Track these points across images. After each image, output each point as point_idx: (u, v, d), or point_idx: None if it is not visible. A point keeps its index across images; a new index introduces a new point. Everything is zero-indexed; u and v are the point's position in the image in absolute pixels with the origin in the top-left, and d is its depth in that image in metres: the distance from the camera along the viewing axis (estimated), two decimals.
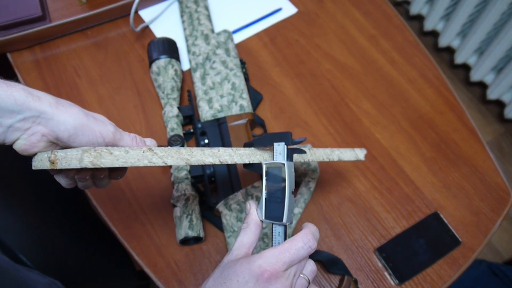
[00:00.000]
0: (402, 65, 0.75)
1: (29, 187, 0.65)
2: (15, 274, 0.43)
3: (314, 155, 0.47)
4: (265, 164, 0.40)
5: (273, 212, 0.39)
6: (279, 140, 0.41)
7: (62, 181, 0.39)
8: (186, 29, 0.73)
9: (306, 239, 0.37)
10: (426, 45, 0.78)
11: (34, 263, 0.56)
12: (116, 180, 0.44)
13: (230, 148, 0.41)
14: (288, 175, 0.39)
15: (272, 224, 0.39)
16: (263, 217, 0.40)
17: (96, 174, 0.40)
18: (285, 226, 0.39)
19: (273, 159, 0.41)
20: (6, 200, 0.60)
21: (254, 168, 0.44)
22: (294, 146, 0.42)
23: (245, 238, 0.39)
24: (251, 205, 0.41)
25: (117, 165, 0.34)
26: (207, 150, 0.39)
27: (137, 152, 0.35)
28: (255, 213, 0.40)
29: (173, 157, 0.36)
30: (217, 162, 0.39)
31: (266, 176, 0.40)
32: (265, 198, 0.40)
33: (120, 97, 0.69)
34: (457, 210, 0.63)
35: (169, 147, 0.41)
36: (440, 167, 0.66)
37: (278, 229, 0.39)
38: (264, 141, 0.42)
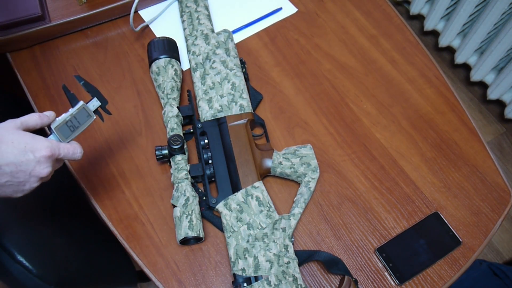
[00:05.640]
0: (402, 65, 0.75)
1: None
2: None
3: None
4: (83, 105, 0.52)
5: (63, 131, 0.50)
6: (98, 97, 0.53)
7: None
8: (186, 29, 0.73)
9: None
10: (426, 45, 0.78)
11: (33, 264, 0.56)
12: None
13: None
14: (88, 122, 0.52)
15: (53, 129, 0.50)
16: (53, 126, 0.50)
17: None
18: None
19: (87, 103, 0.52)
20: (5, 201, 0.60)
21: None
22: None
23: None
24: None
25: None
26: None
27: None
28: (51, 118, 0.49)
29: None
30: None
31: (77, 110, 0.51)
32: (66, 121, 0.50)
33: (120, 97, 0.69)
34: (458, 210, 0.63)
35: None
36: (440, 167, 0.66)
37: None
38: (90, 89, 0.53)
